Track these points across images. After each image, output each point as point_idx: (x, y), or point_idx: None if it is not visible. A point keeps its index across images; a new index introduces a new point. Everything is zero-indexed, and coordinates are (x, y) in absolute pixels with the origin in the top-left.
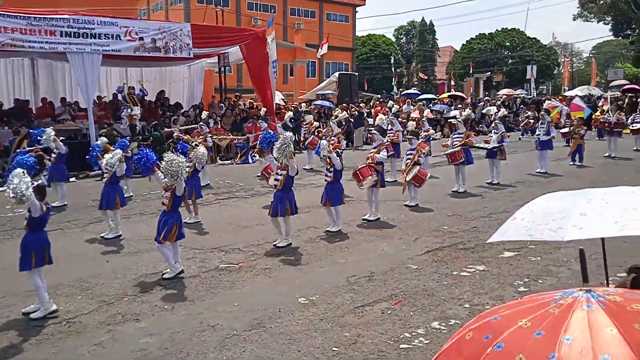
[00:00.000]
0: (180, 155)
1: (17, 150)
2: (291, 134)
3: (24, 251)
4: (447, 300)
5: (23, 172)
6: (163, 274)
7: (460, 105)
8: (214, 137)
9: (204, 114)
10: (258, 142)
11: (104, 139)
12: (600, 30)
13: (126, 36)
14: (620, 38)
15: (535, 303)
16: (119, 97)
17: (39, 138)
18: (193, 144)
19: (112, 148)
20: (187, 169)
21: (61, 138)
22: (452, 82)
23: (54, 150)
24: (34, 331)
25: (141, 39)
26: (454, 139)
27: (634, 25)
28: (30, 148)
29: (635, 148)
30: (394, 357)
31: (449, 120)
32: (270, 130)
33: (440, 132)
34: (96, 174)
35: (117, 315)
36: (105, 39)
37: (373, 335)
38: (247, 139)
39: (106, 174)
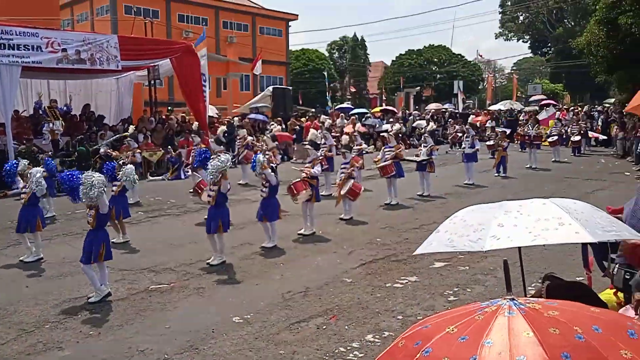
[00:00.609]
0: (99, 176)
1: None
2: (229, 156)
3: None
4: (380, 313)
5: None
6: (88, 298)
7: (391, 119)
8: (144, 152)
9: (131, 129)
10: (192, 160)
11: (25, 162)
12: (520, 47)
13: (48, 47)
14: (538, 55)
15: (463, 312)
16: (40, 111)
17: None
18: (121, 162)
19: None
20: (115, 188)
21: None
22: (384, 97)
23: None
24: None
25: (64, 50)
26: (385, 153)
27: (549, 44)
28: None
29: (553, 159)
30: None
31: (381, 134)
32: (203, 145)
33: (373, 146)
34: (14, 192)
35: (38, 344)
36: (24, 50)
37: (308, 352)
38: (180, 154)
39: (24, 195)
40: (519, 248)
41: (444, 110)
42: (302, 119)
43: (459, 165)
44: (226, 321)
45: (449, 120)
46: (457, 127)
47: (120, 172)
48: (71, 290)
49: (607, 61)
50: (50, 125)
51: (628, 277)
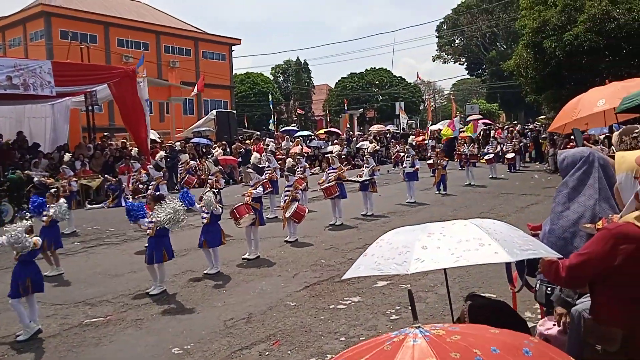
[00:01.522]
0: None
1: None
2: (180, 203)
3: None
4: (324, 335)
5: None
6: (17, 336)
7: (335, 141)
8: (82, 179)
9: (67, 156)
10: (132, 187)
11: None
12: (457, 69)
13: None
14: (474, 77)
15: (374, 343)
16: None
17: None
18: (53, 191)
19: None
20: (45, 218)
21: None
22: (329, 119)
23: None
24: None
25: None
26: (329, 174)
27: (484, 66)
28: None
29: (490, 176)
30: None
31: (326, 156)
32: (143, 171)
33: (318, 167)
34: None
35: None
36: None
37: None
38: (119, 181)
39: None
40: (445, 269)
41: (386, 131)
42: (247, 142)
43: (401, 184)
44: (165, 353)
45: (391, 140)
46: (398, 147)
47: (52, 208)
48: None
49: (535, 82)
50: None
51: (549, 292)
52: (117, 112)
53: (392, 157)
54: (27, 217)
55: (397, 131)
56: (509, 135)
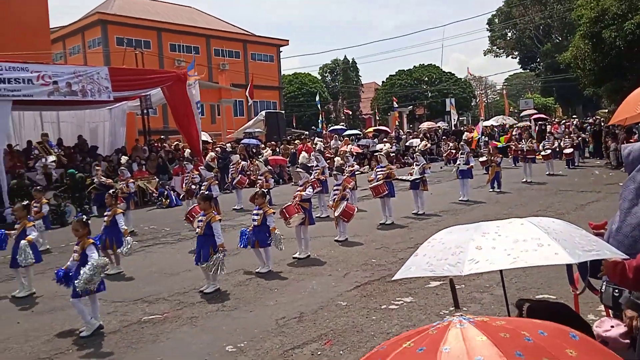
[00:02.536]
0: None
1: None
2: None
3: None
4: (376, 336)
5: None
6: (80, 332)
7: (384, 139)
8: (139, 180)
9: (124, 159)
10: (185, 188)
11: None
12: (509, 63)
13: (39, 80)
14: (527, 70)
15: (417, 330)
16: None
17: None
18: (112, 192)
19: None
20: (106, 218)
21: None
22: (377, 117)
23: None
24: None
25: (55, 82)
26: (378, 172)
27: (538, 59)
28: None
29: (547, 172)
30: None
31: (375, 154)
32: (195, 172)
33: (367, 166)
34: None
35: None
36: (15, 83)
37: None
38: (164, 187)
39: (15, 231)
40: (500, 271)
41: (437, 128)
42: (297, 142)
43: (453, 182)
44: (219, 350)
45: (443, 137)
46: (450, 144)
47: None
48: (63, 324)
49: (594, 74)
50: (43, 159)
51: (617, 294)
52: (171, 115)
53: (444, 155)
54: (88, 217)
55: (449, 128)
56: (566, 130)
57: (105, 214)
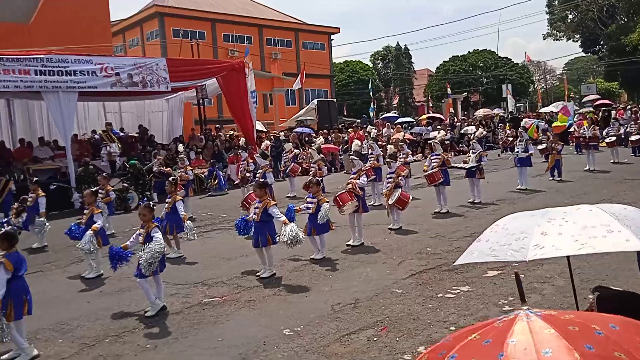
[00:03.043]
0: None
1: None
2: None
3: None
4: (432, 324)
5: None
6: (145, 312)
7: (438, 127)
8: (196, 168)
9: (181, 148)
10: (241, 175)
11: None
12: (570, 47)
13: (102, 72)
14: (590, 54)
15: (482, 323)
16: (96, 136)
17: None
18: (171, 179)
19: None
20: (167, 205)
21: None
22: (431, 104)
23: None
24: None
25: (117, 74)
26: (432, 160)
27: (602, 42)
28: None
29: (612, 160)
30: None
31: (428, 142)
32: (250, 160)
33: (421, 154)
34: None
35: (99, 357)
36: (80, 75)
37: None
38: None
39: (84, 216)
40: (568, 258)
41: (493, 115)
42: (350, 130)
43: (510, 170)
44: (277, 333)
45: (499, 124)
46: (507, 131)
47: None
48: (129, 304)
49: None
50: (108, 147)
51: None
52: (225, 105)
53: (501, 142)
54: (152, 203)
55: (505, 114)
56: (633, 115)
57: (166, 200)
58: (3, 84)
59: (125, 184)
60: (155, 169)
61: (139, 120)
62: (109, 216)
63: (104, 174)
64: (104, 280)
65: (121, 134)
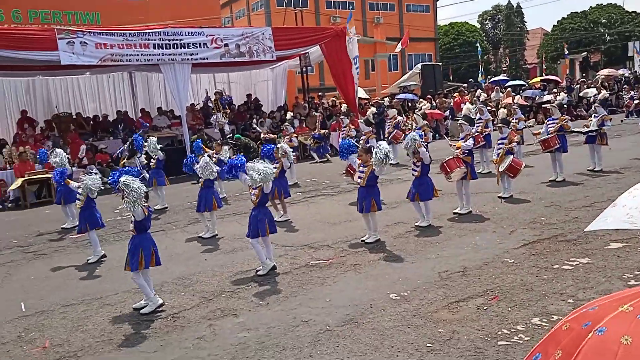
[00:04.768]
0: (265, 161)
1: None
2: (386, 145)
3: (132, 252)
4: (548, 295)
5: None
6: (257, 271)
7: (554, 90)
8: (300, 136)
9: (289, 115)
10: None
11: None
12: None
13: (212, 44)
14: None
15: (634, 292)
16: (209, 103)
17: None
18: (279, 146)
19: (207, 150)
20: (275, 170)
21: (160, 145)
22: (544, 66)
23: (153, 157)
24: (143, 325)
25: (226, 45)
26: (548, 125)
27: None
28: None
29: None
30: (491, 354)
31: (543, 106)
32: (352, 127)
33: (533, 119)
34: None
35: (217, 310)
36: (193, 47)
37: (469, 332)
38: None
39: (201, 178)
40: None
41: (617, 76)
42: (455, 95)
43: (636, 136)
44: (383, 297)
45: (624, 86)
46: (633, 93)
47: (277, 154)
48: (242, 263)
49: None
50: (217, 116)
51: None
52: (327, 72)
53: (625, 106)
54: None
55: (631, 76)
56: None
57: (274, 166)
58: (127, 58)
59: (235, 151)
60: (262, 136)
61: (246, 90)
62: (221, 180)
63: (218, 140)
64: (219, 241)
65: (229, 100)
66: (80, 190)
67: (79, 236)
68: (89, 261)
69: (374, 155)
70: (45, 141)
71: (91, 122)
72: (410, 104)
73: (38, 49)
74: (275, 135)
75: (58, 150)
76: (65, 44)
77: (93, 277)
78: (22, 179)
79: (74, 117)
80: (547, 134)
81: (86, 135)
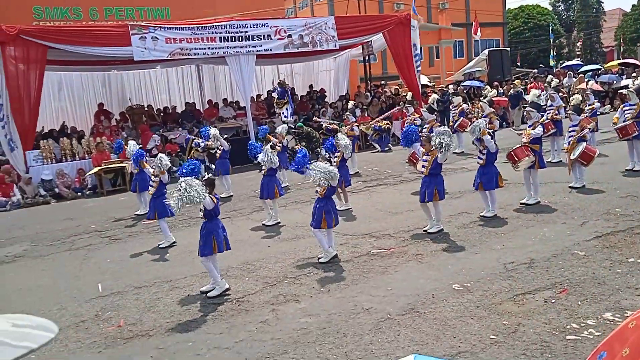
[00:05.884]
0: (328, 155)
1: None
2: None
3: (205, 238)
4: (621, 290)
5: (192, 180)
6: (319, 258)
7: (633, 74)
8: (361, 125)
9: (350, 104)
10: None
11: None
12: None
13: (276, 35)
14: None
15: None
16: (273, 94)
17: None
18: (339, 135)
19: (272, 139)
20: (336, 159)
21: (225, 136)
22: (622, 49)
23: (219, 147)
24: (210, 308)
25: (289, 36)
26: (625, 112)
27: None
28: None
29: None
30: (559, 348)
31: (620, 92)
32: (416, 115)
33: (609, 105)
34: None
35: (280, 295)
36: (258, 40)
37: (535, 325)
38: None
39: (264, 167)
40: None
41: None
42: (524, 81)
43: None
44: (445, 287)
45: None
46: None
47: (337, 144)
48: (304, 250)
49: None
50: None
51: None
52: (389, 61)
53: None
54: (327, 157)
55: None
56: None
57: (335, 155)
58: (194, 51)
59: (297, 140)
60: (324, 125)
61: (309, 80)
62: (283, 169)
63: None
64: (281, 228)
65: (289, 92)
66: (153, 171)
67: (149, 222)
68: (160, 246)
69: (432, 140)
70: (120, 132)
71: (161, 114)
72: (475, 91)
73: (113, 44)
74: (337, 125)
75: (131, 142)
76: (137, 40)
77: (164, 261)
78: (99, 167)
79: (146, 109)
80: (624, 121)
81: (156, 126)
